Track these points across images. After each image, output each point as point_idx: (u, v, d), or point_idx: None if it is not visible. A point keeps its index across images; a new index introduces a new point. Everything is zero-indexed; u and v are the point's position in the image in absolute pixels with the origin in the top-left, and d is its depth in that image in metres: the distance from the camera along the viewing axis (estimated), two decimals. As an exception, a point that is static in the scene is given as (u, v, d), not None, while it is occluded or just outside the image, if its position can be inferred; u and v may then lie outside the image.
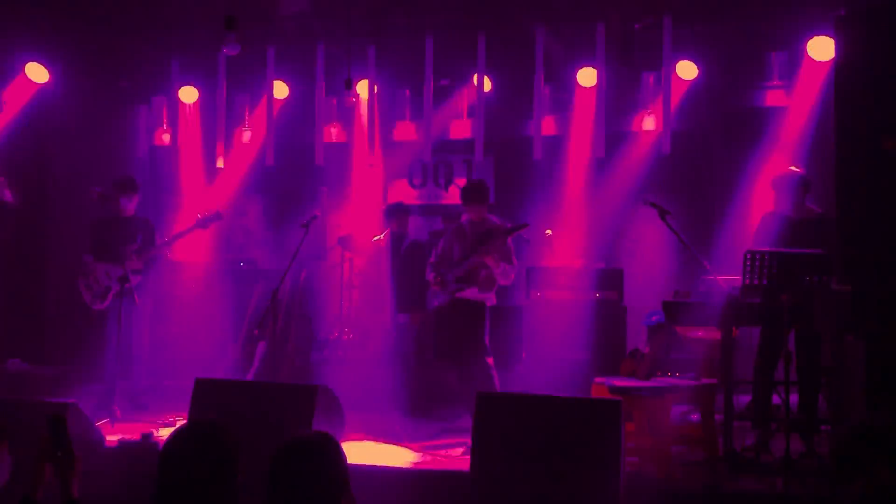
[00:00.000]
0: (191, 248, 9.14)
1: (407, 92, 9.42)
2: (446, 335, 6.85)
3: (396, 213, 7.96)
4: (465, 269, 6.64)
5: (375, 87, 8.47)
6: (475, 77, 8.12)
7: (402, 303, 7.64)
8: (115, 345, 7.06)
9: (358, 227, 8.93)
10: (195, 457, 2.80)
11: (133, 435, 5.94)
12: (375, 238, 7.97)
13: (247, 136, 9.69)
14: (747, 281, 5.43)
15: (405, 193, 9.66)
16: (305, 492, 2.69)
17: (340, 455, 2.80)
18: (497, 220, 6.86)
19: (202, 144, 9.32)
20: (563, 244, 8.43)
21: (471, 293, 6.68)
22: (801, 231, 5.89)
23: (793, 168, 6.37)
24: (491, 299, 6.75)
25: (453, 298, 6.71)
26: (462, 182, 9.11)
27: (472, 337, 6.65)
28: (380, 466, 5.56)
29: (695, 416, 6.21)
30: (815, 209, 6.16)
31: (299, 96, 8.97)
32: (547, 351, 7.53)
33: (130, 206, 7.39)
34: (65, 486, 3.14)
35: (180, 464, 2.80)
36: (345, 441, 5.89)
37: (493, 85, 8.40)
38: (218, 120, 8.89)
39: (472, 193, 6.80)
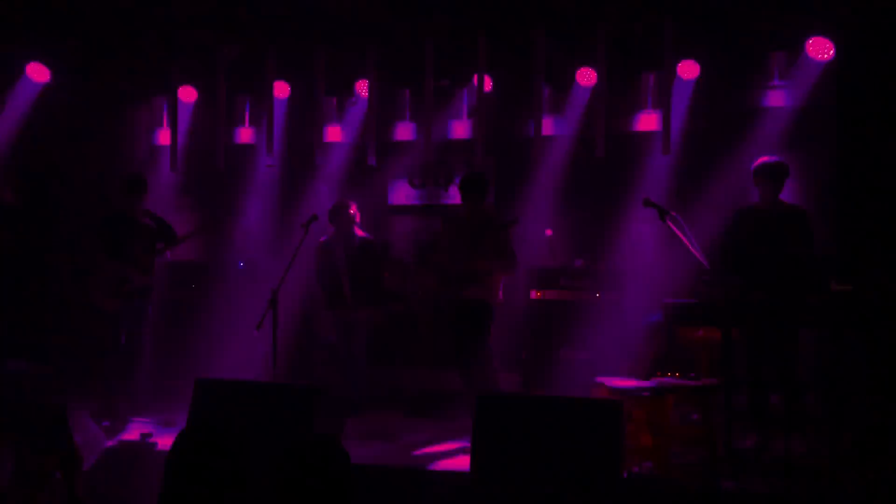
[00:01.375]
0: (191, 249, 9.14)
1: (407, 92, 9.42)
2: (447, 336, 6.79)
3: (339, 212, 7.77)
4: (462, 270, 6.60)
5: (376, 84, 8.47)
6: (475, 77, 8.13)
7: (359, 300, 7.60)
8: (122, 345, 7.09)
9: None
10: (202, 461, 2.79)
11: (133, 435, 5.94)
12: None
13: (246, 136, 9.71)
14: (746, 280, 5.44)
15: (405, 193, 9.66)
16: (312, 497, 2.68)
17: (346, 458, 2.79)
18: (492, 213, 6.82)
19: (202, 144, 9.32)
20: (563, 244, 8.43)
21: (472, 293, 6.62)
22: (775, 225, 5.88)
23: (769, 158, 6.32)
24: (496, 297, 6.67)
25: (454, 298, 6.65)
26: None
27: (472, 338, 6.60)
28: (380, 466, 5.56)
29: (695, 416, 6.21)
30: (786, 202, 6.14)
31: (299, 96, 8.97)
32: (547, 351, 7.53)
33: (140, 204, 7.39)
34: (69, 485, 3.16)
35: (187, 469, 2.79)
36: (345, 441, 5.91)
37: (493, 85, 8.40)
38: (218, 120, 8.89)
39: (471, 186, 6.74)
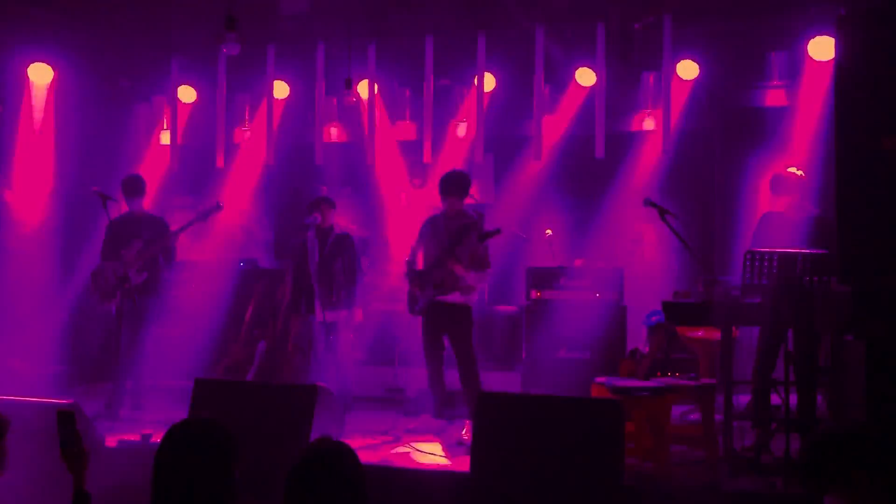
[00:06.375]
0: (191, 248, 9.14)
1: (407, 92, 9.43)
2: (431, 338, 6.74)
3: (321, 204, 7.43)
4: (440, 275, 6.55)
5: (376, 86, 8.48)
6: (476, 77, 8.13)
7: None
8: (119, 344, 7.08)
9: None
10: (190, 454, 2.81)
11: (133, 435, 5.94)
12: None
13: (247, 136, 9.72)
14: (747, 281, 5.43)
15: (405, 193, 9.66)
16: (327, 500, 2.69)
17: (359, 463, 2.80)
18: (474, 215, 6.75)
19: (202, 144, 9.33)
20: (563, 244, 8.43)
21: (452, 297, 6.57)
22: (800, 230, 5.90)
23: (791, 169, 6.38)
24: (472, 300, 6.65)
25: (434, 301, 6.60)
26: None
27: (457, 340, 6.58)
28: (380, 466, 5.56)
29: (695, 416, 6.21)
30: (812, 209, 6.17)
31: (299, 96, 8.97)
32: (547, 351, 7.53)
33: (138, 204, 7.40)
34: (77, 480, 3.18)
35: (176, 462, 2.81)
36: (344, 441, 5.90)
37: (494, 84, 8.40)
38: (218, 120, 8.89)
39: (450, 185, 6.65)
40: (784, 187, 6.20)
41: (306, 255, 7.31)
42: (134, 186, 7.40)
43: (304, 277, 7.32)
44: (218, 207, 7.30)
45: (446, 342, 6.69)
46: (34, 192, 8.80)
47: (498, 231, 6.55)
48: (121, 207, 7.51)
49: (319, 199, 7.51)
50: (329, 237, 7.35)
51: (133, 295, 7.08)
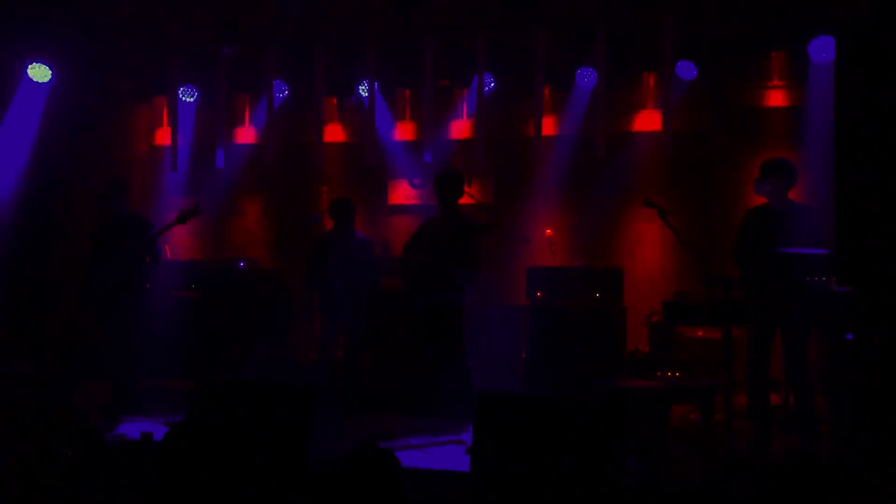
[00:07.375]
0: (190, 249, 9.16)
1: (407, 92, 9.43)
2: (426, 338, 6.72)
3: (339, 208, 7.48)
4: (434, 275, 6.53)
5: (376, 84, 8.47)
6: (476, 77, 8.13)
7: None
8: (113, 345, 7.08)
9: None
10: (191, 455, 2.81)
11: (133, 435, 5.94)
12: None
13: (247, 136, 9.73)
14: (746, 280, 5.44)
15: (405, 193, 9.67)
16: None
17: (401, 470, 2.81)
18: (469, 216, 6.74)
19: (202, 144, 9.33)
20: (563, 244, 8.44)
21: (444, 296, 6.55)
22: (786, 223, 5.86)
23: (780, 158, 6.32)
24: (463, 299, 6.63)
25: (427, 301, 6.59)
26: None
27: (448, 339, 6.56)
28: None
29: (695, 416, 6.21)
30: (794, 201, 6.12)
31: (299, 96, 8.97)
32: (547, 351, 7.53)
33: (122, 206, 7.40)
34: (73, 484, 3.18)
35: (175, 462, 2.81)
36: (344, 441, 5.90)
37: (493, 85, 8.40)
38: (218, 120, 8.89)
39: (443, 185, 6.63)
40: (770, 172, 6.08)
41: (326, 258, 7.34)
42: (119, 188, 7.40)
43: (322, 280, 7.35)
44: (197, 210, 7.29)
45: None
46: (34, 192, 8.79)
47: (497, 225, 6.54)
48: (109, 209, 7.51)
49: (343, 201, 7.52)
50: (351, 241, 7.39)
51: (127, 295, 7.08)
